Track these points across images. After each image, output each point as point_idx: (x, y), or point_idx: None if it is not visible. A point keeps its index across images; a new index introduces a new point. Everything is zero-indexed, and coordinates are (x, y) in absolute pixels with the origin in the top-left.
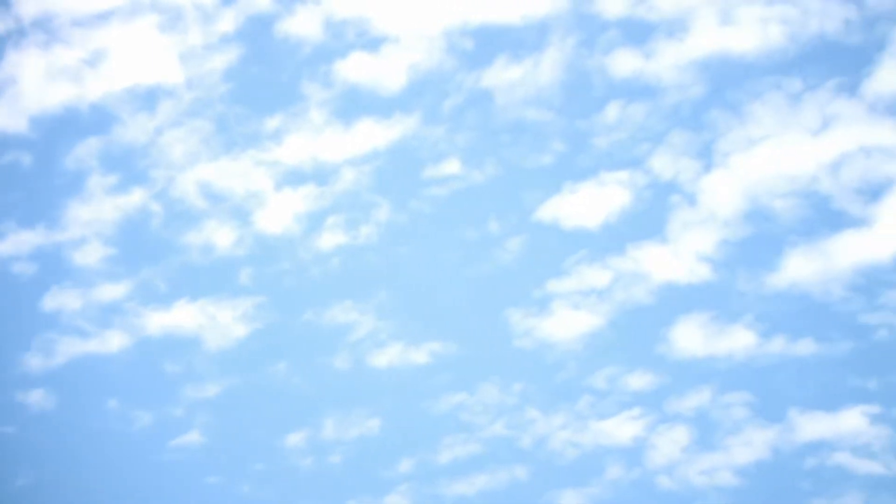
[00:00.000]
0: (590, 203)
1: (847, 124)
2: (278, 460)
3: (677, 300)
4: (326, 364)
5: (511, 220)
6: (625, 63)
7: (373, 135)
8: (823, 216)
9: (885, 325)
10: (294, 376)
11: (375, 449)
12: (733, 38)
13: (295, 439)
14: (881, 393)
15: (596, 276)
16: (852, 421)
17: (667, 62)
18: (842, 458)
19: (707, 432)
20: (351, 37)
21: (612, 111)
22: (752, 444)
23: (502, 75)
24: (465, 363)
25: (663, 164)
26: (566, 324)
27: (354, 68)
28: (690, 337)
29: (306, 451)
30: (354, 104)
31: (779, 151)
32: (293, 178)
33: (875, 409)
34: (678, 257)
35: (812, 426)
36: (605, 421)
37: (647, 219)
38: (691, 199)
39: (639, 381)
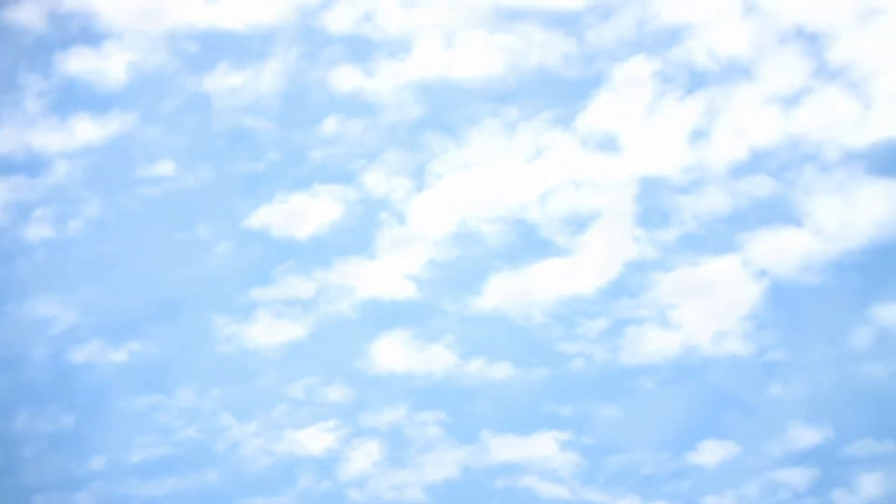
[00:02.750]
0: (300, 214)
1: (559, 156)
2: None
3: (380, 316)
4: (23, 356)
5: (221, 226)
6: (346, 79)
7: (88, 130)
8: (529, 244)
9: (582, 354)
10: None
11: (67, 445)
12: (455, 62)
13: None
14: (573, 420)
15: (301, 286)
16: (543, 446)
17: (387, 81)
18: (530, 481)
19: (400, 448)
20: (74, 29)
21: (330, 125)
22: (443, 463)
23: (223, 81)
24: (163, 365)
25: (376, 180)
26: (268, 332)
27: (75, 62)
28: (391, 353)
29: None
30: (72, 98)
31: (491, 177)
32: (3, 167)
33: (566, 435)
34: (384, 274)
35: (504, 449)
36: (300, 431)
37: (357, 234)
38: (401, 218)
39: (336, 393)
